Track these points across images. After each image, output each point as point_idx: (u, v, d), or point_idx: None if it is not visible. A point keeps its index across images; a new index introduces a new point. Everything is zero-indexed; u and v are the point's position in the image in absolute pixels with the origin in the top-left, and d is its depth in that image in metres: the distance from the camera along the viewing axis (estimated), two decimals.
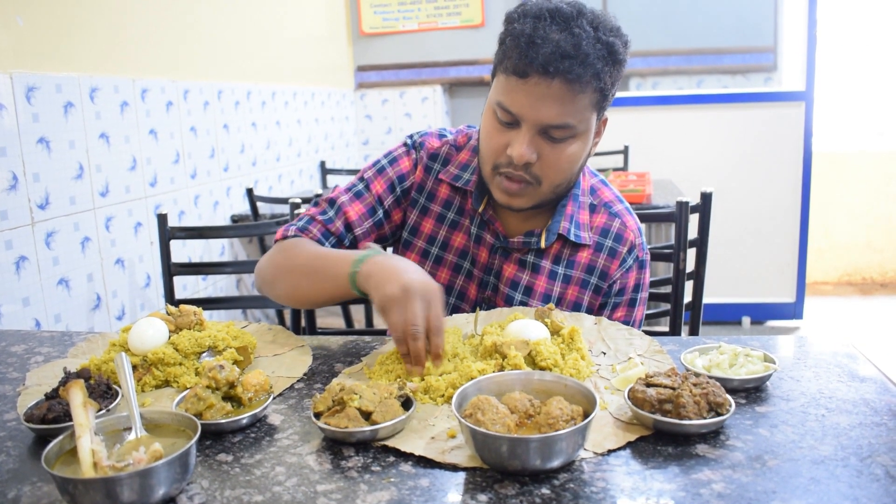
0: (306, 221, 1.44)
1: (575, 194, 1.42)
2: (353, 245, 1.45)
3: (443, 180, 1.45)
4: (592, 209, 1.44)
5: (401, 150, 1.49)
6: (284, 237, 1.42)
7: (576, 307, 1.42)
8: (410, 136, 1.50)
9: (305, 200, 2.75)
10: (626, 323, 1.46)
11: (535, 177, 1.28)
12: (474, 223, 1.43)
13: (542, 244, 1.39)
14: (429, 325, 1.10)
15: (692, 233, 1.98)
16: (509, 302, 1.42)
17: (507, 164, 1.28)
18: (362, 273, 1.19)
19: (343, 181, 4.64)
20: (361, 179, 1.47)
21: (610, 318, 1.44)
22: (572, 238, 1.40)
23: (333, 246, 1.43)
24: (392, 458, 0.89)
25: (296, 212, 2.00)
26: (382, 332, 1.72)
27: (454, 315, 1.36)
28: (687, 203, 1.93)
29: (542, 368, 1.08)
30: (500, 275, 1.43)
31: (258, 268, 1.42)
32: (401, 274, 1.13)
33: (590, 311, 1.43)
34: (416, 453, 0.89)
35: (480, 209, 1.41)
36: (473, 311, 1.44)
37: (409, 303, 1.10)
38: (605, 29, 1.23)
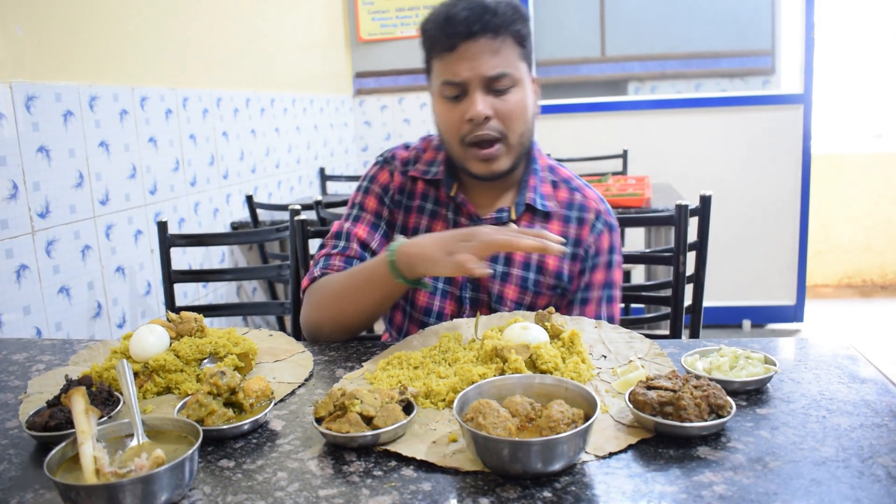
0: (325, 259, 1.51)
1: (535, 169, 1.54)
2: None
3: (416, 177, 1.56)
4: (554, 185, 1.55)
5: (375, 169, 1.60)
6: (312, 281, 1.49)
7: (558, 276, 1.50)
8: (381, 154, 1.62)
9: (305, 207, 2.75)
10: (607, 285, 1.52)
11: (499, 132, 1.40)
12: (449, 209, 1.52)
13: (513, 215, 1.49)
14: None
15: (692, 236, 1.98)
16: (493, 275, 1.48)
17: (470, 131, 1.40)
18: (401, 257, 1.29)
19: (342, 187, 4.67)
20: (353, 206, 1.58)
21: (590, 280, 1.51)
22: (539, 206, 1.50)
23: None
24: (394, 463, 0.89)
25: (296, 218, 2.00)
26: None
27: (455, 320, 1.37)
28: (686, 206, 1.93)
29: (542, 372, 1.08)
30: None
31: (303, 318, 1.48)
32: (448, 232, 1.29)
33: (571, 279, 1.50)
34: (418, 457, 0.89)
35: (452, 193, 1.51)
36: (461, 292, 1.50)
37: (480, 235, 1.23)
38: None
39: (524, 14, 1.42)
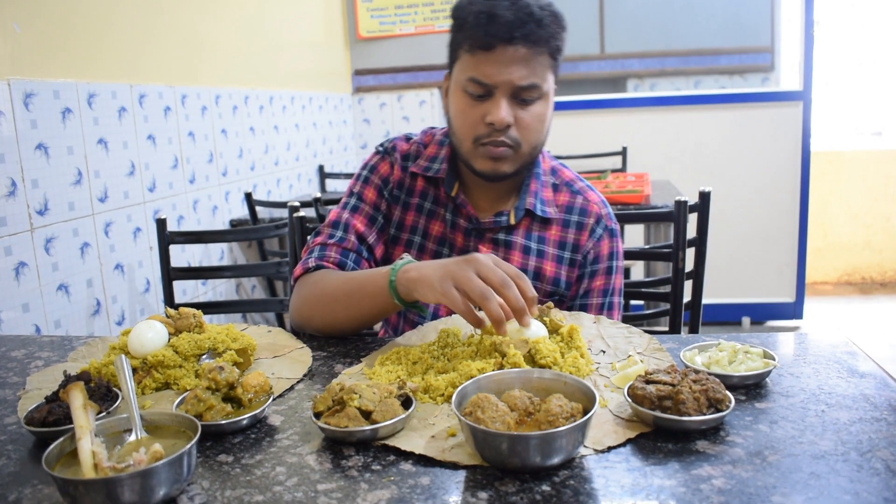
0: (320, 249, 1.47)
1: (537, 173, 1.50)
2: (371, 255, 1.51)
3: (416, 173, 1.52)
4: (555, 188, 1.53)
5: (376, 158, 1.56)
6: (306, 270, 1.45)
7: (555, 282, 1.48)
8: (381, 144, 1.58)
9: (304, 204, 2.75)
10: (606, 291, 1.50)
11: (515, 140, 1.36)
12: (448, 210, 1.49)
13: (512, 220, 1.46)
14: (509, 273, 1.12)
15: (691, 232, 1.98)
16: None
17: (487, 135, 1.36)
18: (401, 278, 1.22)
19: (341, 185, 4.67)
20: (351, 195, 1.54)
21: (589, 287, 1.49)
22: (539, 213, 1.47)
23: (354, 262, 1.47)
24: (392, 457, 0.89)
25: (295, 215, 2.00)
26: None
27: (454, 315, 1.37)
28: (685, 202, 1.93)
29: (541, 367, 1.08)
30: None
31: (292, 309, 1.45)
32: (450, 259, 1.18)
33: (569, 286, 1.49)
34: (417, 452, 0.89)
35: (453, 193, 1.48)
36: None
37: (479, 264, 1.13)
38: (544, 2, 1.35)
39: (564, 26, 1.37)
